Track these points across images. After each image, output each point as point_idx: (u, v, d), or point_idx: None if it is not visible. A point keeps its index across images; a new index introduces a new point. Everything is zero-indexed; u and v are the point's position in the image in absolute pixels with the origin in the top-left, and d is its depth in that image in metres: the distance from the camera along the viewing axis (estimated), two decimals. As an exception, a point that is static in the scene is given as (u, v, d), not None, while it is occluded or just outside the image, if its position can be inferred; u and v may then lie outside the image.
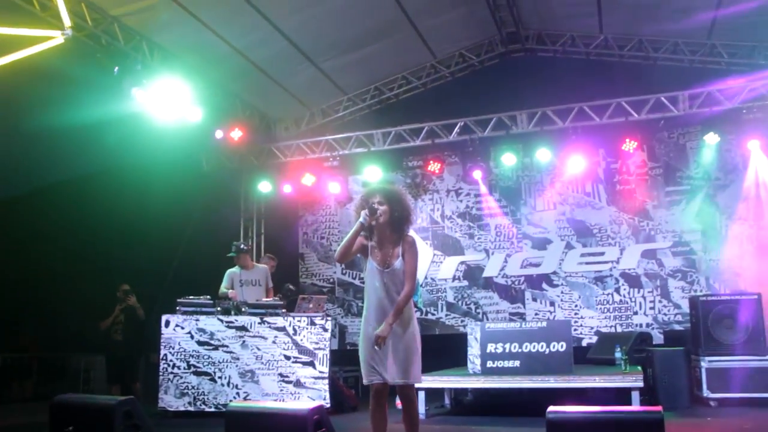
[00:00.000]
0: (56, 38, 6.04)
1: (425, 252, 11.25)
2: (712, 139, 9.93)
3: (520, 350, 7.41)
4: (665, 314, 10.20)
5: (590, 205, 10.84)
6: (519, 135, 10.54)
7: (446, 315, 11.37)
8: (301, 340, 7.48)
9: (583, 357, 9.09)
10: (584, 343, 10.24)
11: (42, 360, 12.05)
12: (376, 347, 4.23)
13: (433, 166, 11.32)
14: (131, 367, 9.02)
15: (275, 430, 4.59)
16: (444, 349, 10.02)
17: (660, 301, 10.26)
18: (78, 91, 8.49)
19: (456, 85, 11.66)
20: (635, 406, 6.31)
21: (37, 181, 11.80)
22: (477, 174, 11.14)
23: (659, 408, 4.02)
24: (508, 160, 10.77)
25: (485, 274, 11.27)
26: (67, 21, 6.15)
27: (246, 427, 4.68)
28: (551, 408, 4.08)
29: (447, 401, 8.21)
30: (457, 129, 10.71)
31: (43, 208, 11.69)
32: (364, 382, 4.38)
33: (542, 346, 7.35)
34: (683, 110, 9.68)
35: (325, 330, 7.55)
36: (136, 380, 8.94)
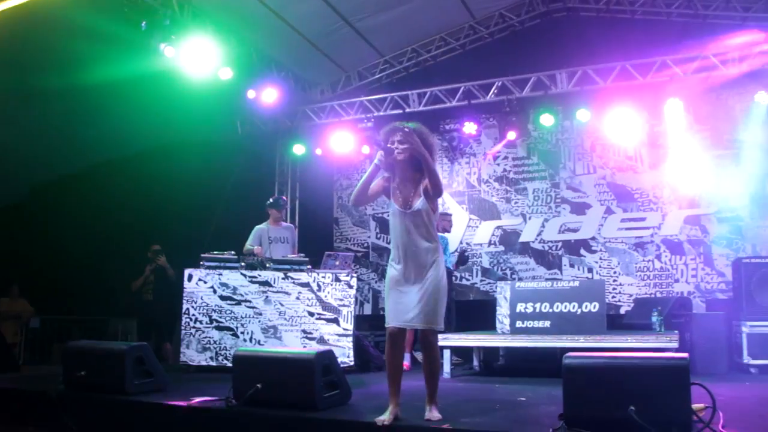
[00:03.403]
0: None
1: (460, 216, 10.97)
2: (763, 98, 9.39)
3: (551, 310, 7.15)
4: (708, 282, 9.71)
5: (632, 168, 10.39)
6: (558, 95, 10.18)
7: (481, 281, 11.10)
8: (326, 296, 7.35)
9: (621, 324, 8.81)
10: (622, 311, 9.87)
11: (82, 322, 12.27)
12: None
13: (469, 128, 10.90)
14: (162, 327, 9.05)
15: (283, 375, 4.48)
16: (478, 315, 9.79)
17: (703, 269, 9.78)
18: (105, 47, 8.41)
19: (495, 46, 11.29)
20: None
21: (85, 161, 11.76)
22: (513, 135, 10.79)
23: (685, 354, 3.76)
24: (546, 120, 10.33)
25: (522, 239, 10.94)
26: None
27: (254, 372, 4.58)
28: (569, 354, 3.88)
29: (476, 363, 7.99)
30: (494, 89, 10.39)
31: (96, 185, 11.70)
32: (386, 324, 4.22)
33: (574, 306, 7.08)
34: (733, 69, 9.18)
35: (350, 287, 7.40)
36: (166, 340, 8.95)
